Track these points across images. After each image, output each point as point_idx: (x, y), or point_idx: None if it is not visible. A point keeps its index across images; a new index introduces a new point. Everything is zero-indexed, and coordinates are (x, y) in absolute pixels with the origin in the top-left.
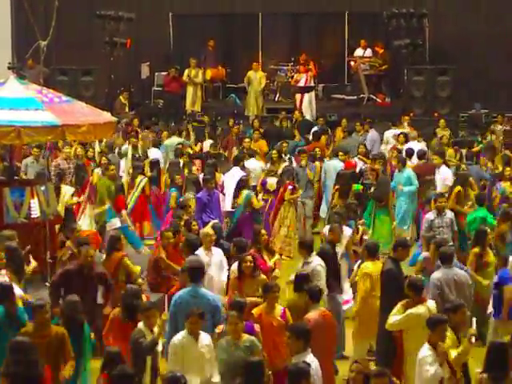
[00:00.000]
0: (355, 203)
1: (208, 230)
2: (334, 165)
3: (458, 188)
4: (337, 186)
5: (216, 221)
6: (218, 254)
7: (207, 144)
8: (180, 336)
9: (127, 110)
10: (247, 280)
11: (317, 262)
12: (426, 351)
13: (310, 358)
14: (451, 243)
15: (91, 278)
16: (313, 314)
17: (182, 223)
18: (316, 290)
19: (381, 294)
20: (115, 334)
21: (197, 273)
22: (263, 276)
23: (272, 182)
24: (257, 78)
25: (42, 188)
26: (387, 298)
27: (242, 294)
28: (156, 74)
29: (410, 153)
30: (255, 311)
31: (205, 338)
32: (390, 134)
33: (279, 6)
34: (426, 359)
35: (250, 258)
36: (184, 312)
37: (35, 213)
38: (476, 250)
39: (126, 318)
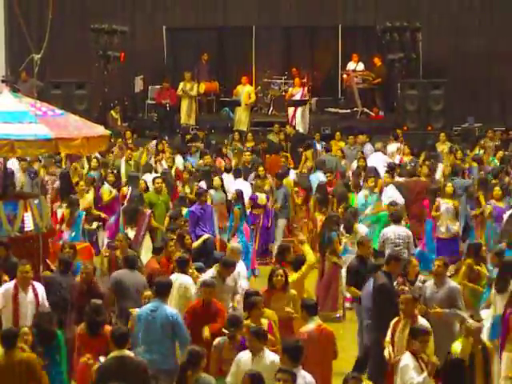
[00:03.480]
0: (337, 215)
1: (235, 245)
2: (318, 178)
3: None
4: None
5: (208, 235)
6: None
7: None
8: (243, 352)
9: (119, 123)
10: (277, 294)
11: None
12: (408, 359)
13: (301, 374)
14: None
15: (92, 295)
16: (307, 328)
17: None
18: (311, 303)
19: (372, 308)
20: (85, 347)
21: (164, 289)
22: (293, 291)
23: (262, 196)
24: (244, 92)
25: (36, 201)
26: (379, 312)
27: (269, 307)
28: (150, 87)
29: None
30: None
31: (268, 359)
32: (393, 147)
33: (273, 19)
34: (410, 366)
35: (281, 271)
36: (143, 328)
37: (28, 226)
38: (469, 261)
39: (90, 333)
